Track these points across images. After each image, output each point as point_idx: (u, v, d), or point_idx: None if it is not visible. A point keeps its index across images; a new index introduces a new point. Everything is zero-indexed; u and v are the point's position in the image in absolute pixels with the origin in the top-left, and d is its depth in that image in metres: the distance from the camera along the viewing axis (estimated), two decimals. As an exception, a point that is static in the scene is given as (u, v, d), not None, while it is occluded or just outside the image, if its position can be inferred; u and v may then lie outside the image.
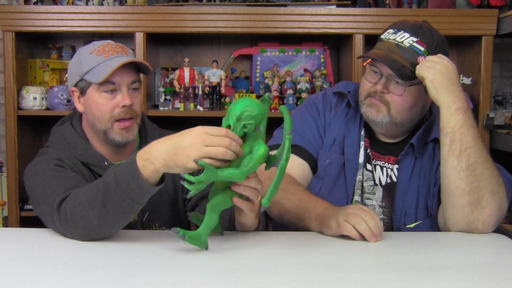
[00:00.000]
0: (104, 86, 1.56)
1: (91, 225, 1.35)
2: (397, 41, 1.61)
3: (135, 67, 1.61)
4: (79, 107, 1.62)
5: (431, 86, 1.53)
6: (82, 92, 1.60)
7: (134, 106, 1.59)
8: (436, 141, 1.64)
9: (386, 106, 1.63)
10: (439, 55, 1.56)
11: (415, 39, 1.60)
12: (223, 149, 1.23)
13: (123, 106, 1.56)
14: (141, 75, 1.68)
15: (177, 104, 2.88)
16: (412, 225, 1.64)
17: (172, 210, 1.70)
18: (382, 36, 1.67)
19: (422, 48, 1.60)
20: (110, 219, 1.35)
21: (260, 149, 1.29)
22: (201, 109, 2.86)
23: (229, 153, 1.24)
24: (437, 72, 1.52)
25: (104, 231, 1.38)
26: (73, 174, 1.52)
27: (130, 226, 1.63)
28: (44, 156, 1.58)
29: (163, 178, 1.33)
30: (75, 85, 1.61)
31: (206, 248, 1.33)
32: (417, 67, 1.55)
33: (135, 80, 1.60)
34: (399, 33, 1.62)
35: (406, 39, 1.61)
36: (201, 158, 1.23)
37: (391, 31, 1.65)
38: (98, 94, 1.56)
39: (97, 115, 1.57)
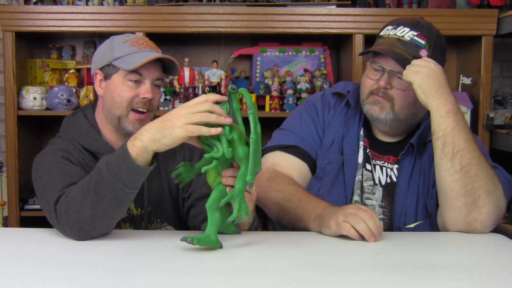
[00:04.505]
0: (131, 75, 1.60)
1: (84, 219, 1.36)
2: (397, 35, 1.62)
3: (161, 65, 1.66)
4: (99, 91, 1.66)
5: (420, 91, 1.53)
6: (106, 76, 1.64)
7: (153, 101, 1.64)
8: (435, 141, 1.64)
9: (390, 102, 1.63)
10: (425, 58, 1.56)
11: (415, 33, 1.61)
12: (206, 113, 1.29)
13: (144, 98, 1.61)
14: None
15: (177, 104, 2.88)
16: (412, 225, 1.64)
17: (174, 207, 1.71)
18: (381, 33, 1.68)
19: (423, 42, 1.60)
20: (103, 208, 1.35)
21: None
22: (201, 109, 2.85)
23: (213, 116, 1.29)
24: (424, 76, 1.52)
25: (98, 224, 1.38)
26: (77, 169, 1.54)
27: (133, 221, 1.67)
28: (52, 147, 1.61)
29: (154, 160, 1.36)
30: (101, 69, 1.65)
31: (221, 247, 1.34)
32: (404, 72, 1.56)
33: (159, 77, 1.65)
34: (399, 28, 1.63)
35: (406, 33, 1.61)
36: (187, 124, 1.28)
37: (390, 27, 1.65)
38: (123, 81, 1.61)
39: (117, 100, 1.61)
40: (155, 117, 1.70)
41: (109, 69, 1.62)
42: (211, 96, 1.31)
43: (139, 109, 1.61)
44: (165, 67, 1.67)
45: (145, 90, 1.60)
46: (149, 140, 1.32)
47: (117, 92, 1.60)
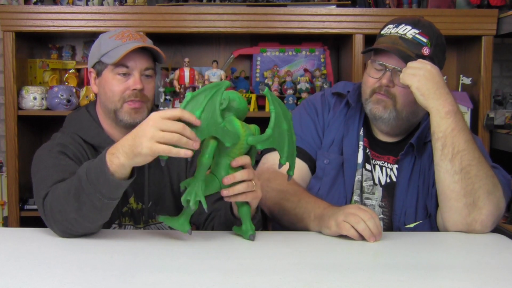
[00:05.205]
0: (118, 69, 1.62)
1: (68, 219, 1.37)
2: (399, 33, 1.62)
3: (151, 55, 1.67)
4: (94, 88, 1.70)
5: (418, 93, 1.53)
6: (98, 73, 1.67)
7: (145, 91, 1.65)
8: (435, 141, 1.64)
9: (392, 100, 1.63)
10: (420, 60, 1.56)
11: (417, 31, 1.61)
12: (176, 135, 1.24)
13: (134, 89, 1.62)
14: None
15: (177, 104, 2.88)
16: (412, 225, 1.64)
17: (175, 203, 1.72)
18: (382, 32, 1.67)
19: (424, 40, 1.60)
20: (84, 214, 1.35)
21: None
22: (201, 109, 2.86)
23: (183, 140, 1.25)
24: (421, 79, 1.52)
25: (81, 226, 1.39)
26: (72, 163, 1.55)
27: (133, 215, 1.68)
28: (50, 142, 1.64)
29: (134, 172, 1.35)
30: (93, 67, 1.68)
31: (189, 233, 1.36)
32: (401, 75, 1.55)
33: (148, 67, 1.66)
34: (400, 26, 1.63)
35: (408, 31, 1.61)
36: (155, 143, 1.25)
37: (391, 26, 1.65)
38: (112, 75, 1.63)
39: (109, 95, 1.63)
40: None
41: (100, 66, 1.65)
42: (187, 114, 1.26)
43: (132, 101, 1.62)
44: (154, 55, 1.68)
45: (134, 81, 1.62)
46: (124, 158, 1.29)
47: (108, 87, 1.63)
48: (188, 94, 1.29)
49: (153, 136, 1.24)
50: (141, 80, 1.63)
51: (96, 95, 1.73)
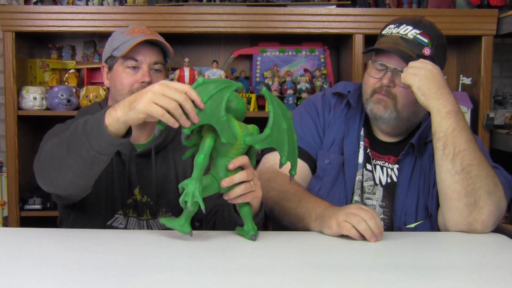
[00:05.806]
0: (127, 62, 1.67)
1: (53, 165, 1.38)
2: (400, 34, 1.62)
3: (160, 51, 1.72)
4: (106, 82, 1.75)
5: (419, 93, 1.53)
6: (110, 67, 1.72)
7: None
8: (435, 141, 1.64)
9: (393, 100, 1.63)
10: (421, 60, 1.56)
11: (418, 31, 1.61)
12: (174, 103, 1.24)
13: (142, 82, 1.66)
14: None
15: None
16: (412, 225, 1.64)
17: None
18: (383, 32, 1.67)
19: (425, 40, 1.60)
20: (69, 162, 1.35)
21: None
22: (201, 109, 2.86)
23: (179, 111, 1.24)
24: (422, 78, 1.52)
25: (62, 175, 1.38)
26: None
27: (136, 207, 1.69)
28: (63, 124, 1.69)
29: (128, 134, 1.34)
30: (105, 61, 1.74)
31: (190, 234, 1.35)
32: (402, 75, 1.55)
33: (157, 61, 1.70)
34: (402, 26, 1.63)
35: (409, 31, 1.61)
36: (152, 102, 1.24)
37: (392, 26, 1.65)
38: (122, 68, 1.68)
39: (118, 88, 1.68)
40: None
41: (111, 60, 1.70)
42: (194, 94, 1.26)
43: None
44: (164, 51, 1.73)
45: (142, 74, 1.67)
46: (121, 111, 1.29)
47: (118, 80, 1.68)
48: (201, 79, 1.29)
49: (152, 97, 1.24)
50: (149, 73, 1.67)
51: (108, 90, 1.78)
